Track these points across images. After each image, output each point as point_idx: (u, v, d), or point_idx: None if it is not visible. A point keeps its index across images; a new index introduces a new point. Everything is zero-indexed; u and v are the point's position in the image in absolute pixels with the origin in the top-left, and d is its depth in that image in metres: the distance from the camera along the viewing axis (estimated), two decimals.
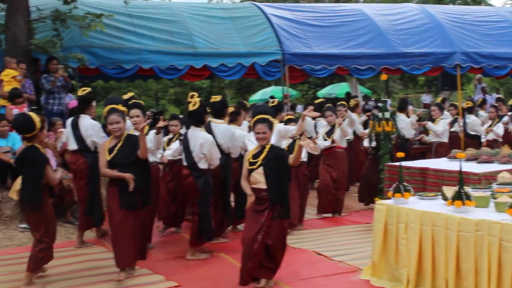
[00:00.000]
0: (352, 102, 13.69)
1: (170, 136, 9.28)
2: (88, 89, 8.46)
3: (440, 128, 12.06)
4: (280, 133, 8.30)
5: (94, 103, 8.64)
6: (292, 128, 8.39)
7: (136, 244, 6.79)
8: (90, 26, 12.27)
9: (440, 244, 5.60)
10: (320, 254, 7.54)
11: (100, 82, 21.02)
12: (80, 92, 8.33)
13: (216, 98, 8.40)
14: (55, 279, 6.88)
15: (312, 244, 8.11)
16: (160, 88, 33.70)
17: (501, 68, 16.81)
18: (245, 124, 9.73)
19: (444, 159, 9.00)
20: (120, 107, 6.84)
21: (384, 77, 9.97)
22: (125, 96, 8.87)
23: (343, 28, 16.14)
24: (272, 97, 14.46)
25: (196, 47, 14.11)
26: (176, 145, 8.83)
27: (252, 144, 7.66)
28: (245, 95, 35.06)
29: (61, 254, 7.86)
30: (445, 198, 6.05)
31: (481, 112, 14.75)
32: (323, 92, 28.55)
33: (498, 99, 16.43)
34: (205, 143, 7.48)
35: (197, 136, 7.54)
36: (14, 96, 10.24)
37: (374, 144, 10.29)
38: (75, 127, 8.26)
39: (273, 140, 7.10)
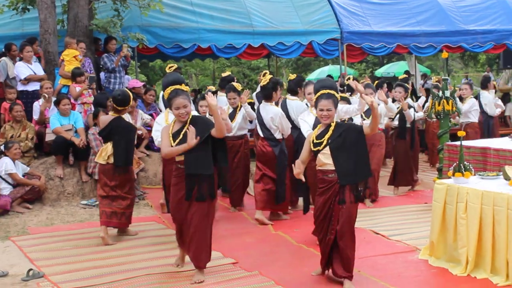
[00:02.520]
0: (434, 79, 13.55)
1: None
2: (175, 66, 8.74)
3: (466, 107, 11.42)
4: (339, 114, 7.56)
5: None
6: (353, 108, 7.97)
7: (209, 240, 5.95)
8: (150, 5, 12.38)
9: (501, 224, 5.50)
10: (377, 233, 7.48)
11: (158, 62, 21.26)
12: (167, 69, 8.51)
13: (292, 76, 8.86)
14: (119, 254, 6.99)
15: (368, 223, 8.02)
16: (217, 68, 33.89)
17: None
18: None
19: (506, 138, 8.77)
20: (184, 87, 5.87)
21: (445, 55, 9.73)
22: (224, 74, 9.65)
23: (402, 5, 15.96)
24: (329, 75, 14.29)
25: (254, 25, 14.14)
26: None
27: (305, 124, 7.30)
28: (302, 74, 34.96)
29: None
30: (507, 178, 5.92)
31: None
32: (381, 71, 28.22)
33: None
34: (275, 116, 8.12)
35: (267, 110, 8.23)
36: (76, 75, 10.49)
37: (396, 123, 10.12)
38: None
39: None
